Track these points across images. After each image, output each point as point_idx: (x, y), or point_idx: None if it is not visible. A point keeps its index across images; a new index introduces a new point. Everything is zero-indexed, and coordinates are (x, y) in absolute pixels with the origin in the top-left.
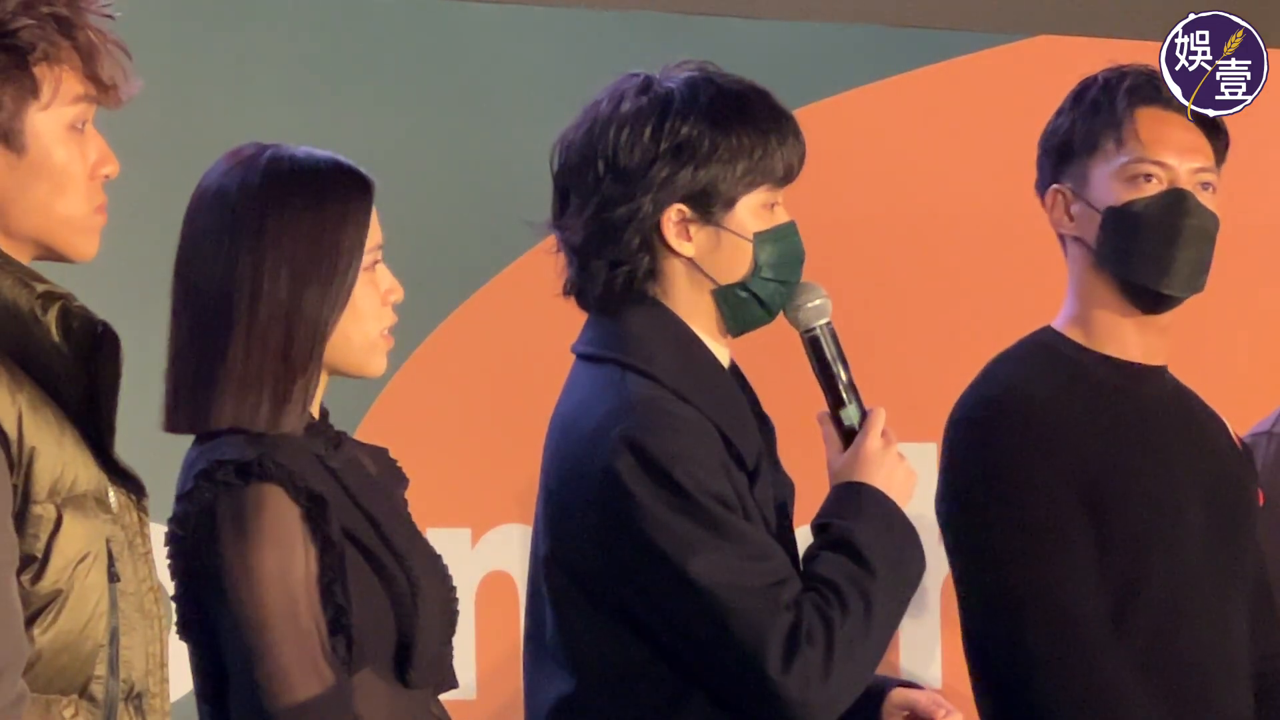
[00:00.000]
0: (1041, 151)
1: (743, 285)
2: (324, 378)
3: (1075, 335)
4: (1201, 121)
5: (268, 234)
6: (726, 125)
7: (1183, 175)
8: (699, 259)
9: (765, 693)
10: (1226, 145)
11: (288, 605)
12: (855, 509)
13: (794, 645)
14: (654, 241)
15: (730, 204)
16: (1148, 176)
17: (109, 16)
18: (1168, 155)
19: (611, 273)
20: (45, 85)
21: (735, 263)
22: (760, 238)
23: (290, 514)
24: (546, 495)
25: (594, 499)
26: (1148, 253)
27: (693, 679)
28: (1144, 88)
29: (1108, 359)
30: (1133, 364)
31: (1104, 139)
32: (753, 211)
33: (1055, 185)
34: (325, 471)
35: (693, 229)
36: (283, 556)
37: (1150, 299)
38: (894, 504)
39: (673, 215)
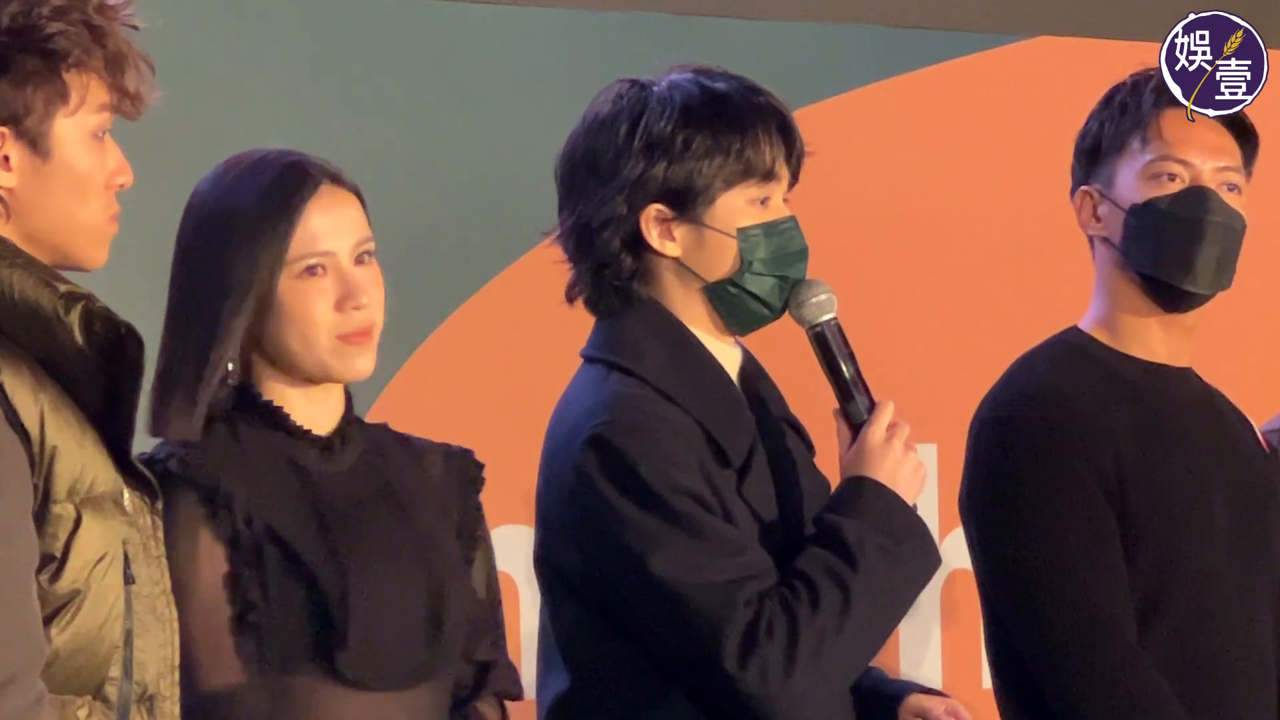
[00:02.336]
0: (1074, 155)
1: (731, 281)
2: (333, 387)
3: (1101, 336)
4: (1230, 123)
5: (186, 248)
6: (701, 122)
7: (1206, 174)
8: (685, 258)
9: (725, 688)
10: (1256, 147)
11: (188, 601)
12: (850, 503)
13: (751, 640)
14: (637, 242)
15: (710, 200)
16: (1171, 175)
17: (134, 27)
18: (1191, 154)
19: (597, 275)
20: (74, 92)
21: (720, 259)
22: (745, 233)
23: (192, 513)
24: (536, 495)
25: (568, 498)
26: (1171, 250)
27: (672, 677)
28: (1170, 89)
29: (1134, 360)
30: (1159, 365)
31: (1130, 138)
32: (737, 208)
33: (1084, 187)
34: (289, 474)
35: (675, 228)
36: (183, 555)
37: (1174, 296)
38: (895, 496)
39: (652, 215)
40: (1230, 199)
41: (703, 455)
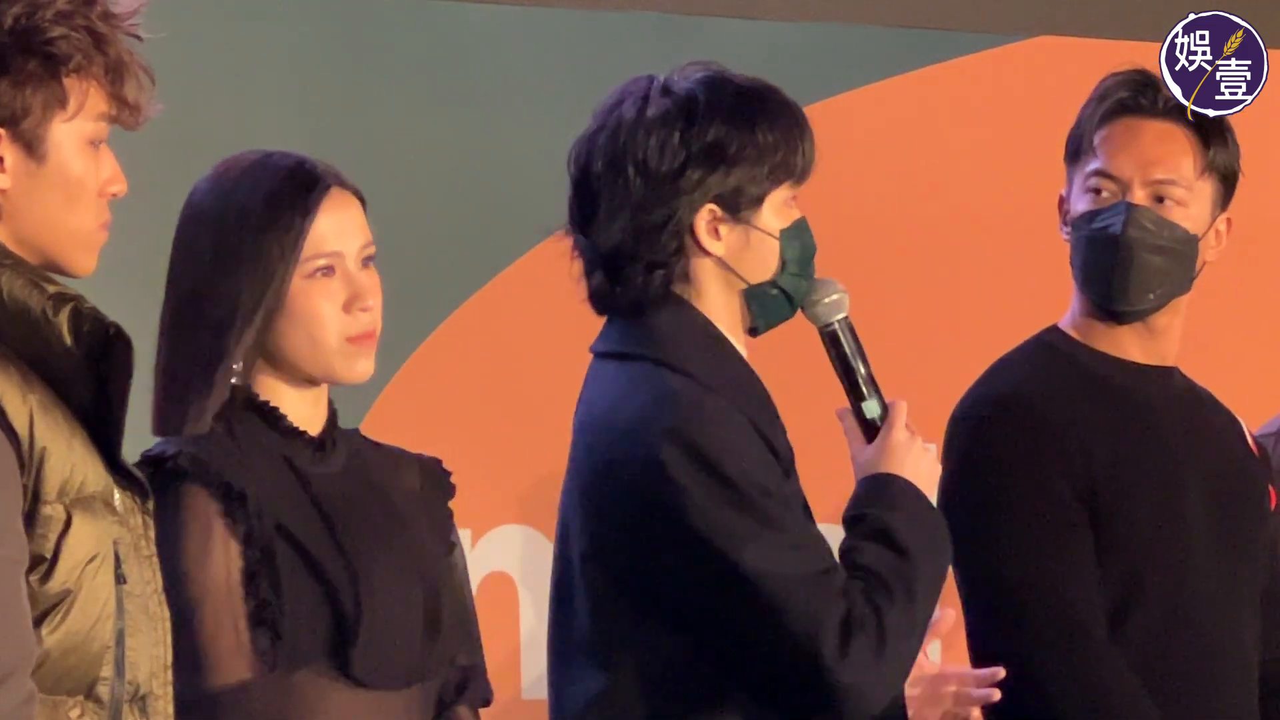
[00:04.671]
0: None
1: (773, 283)
2: (323, 389)
3: (1078, 335)
4: (1192, 127)
5: (189, 247)
6: (751, 125)
7: (1135, 187)
8: (728, 258)
9: (820, 680)
10: (1221, 151)
11: (201, 598)
12: (888, 500)
13: (848, 632)
14: (686, 243)
15: (758, 202)
16: (1101, 189)
17: (138, 38)
18: (1122, 168)
19: (647, 276)
20: (73, 97)
21: (764, 260)
22: (786, 234)
23: (206, 509)
24: (581, 494)
25: (636, 492)
26: (1091, 266)
27: (735, 672)
28: (1117, 98)
29: (1112, 359)
30: (1137, 364)
31: (1079, 148)
32: (776, 209)
33: (1062, 192)
34: (287, 473)
35: (722, 229)
36: (197, 551)
37: (1108, 311)
38: (923, 494)
39: (704, 216)
40: (1165, 209)
41: (763, 451)
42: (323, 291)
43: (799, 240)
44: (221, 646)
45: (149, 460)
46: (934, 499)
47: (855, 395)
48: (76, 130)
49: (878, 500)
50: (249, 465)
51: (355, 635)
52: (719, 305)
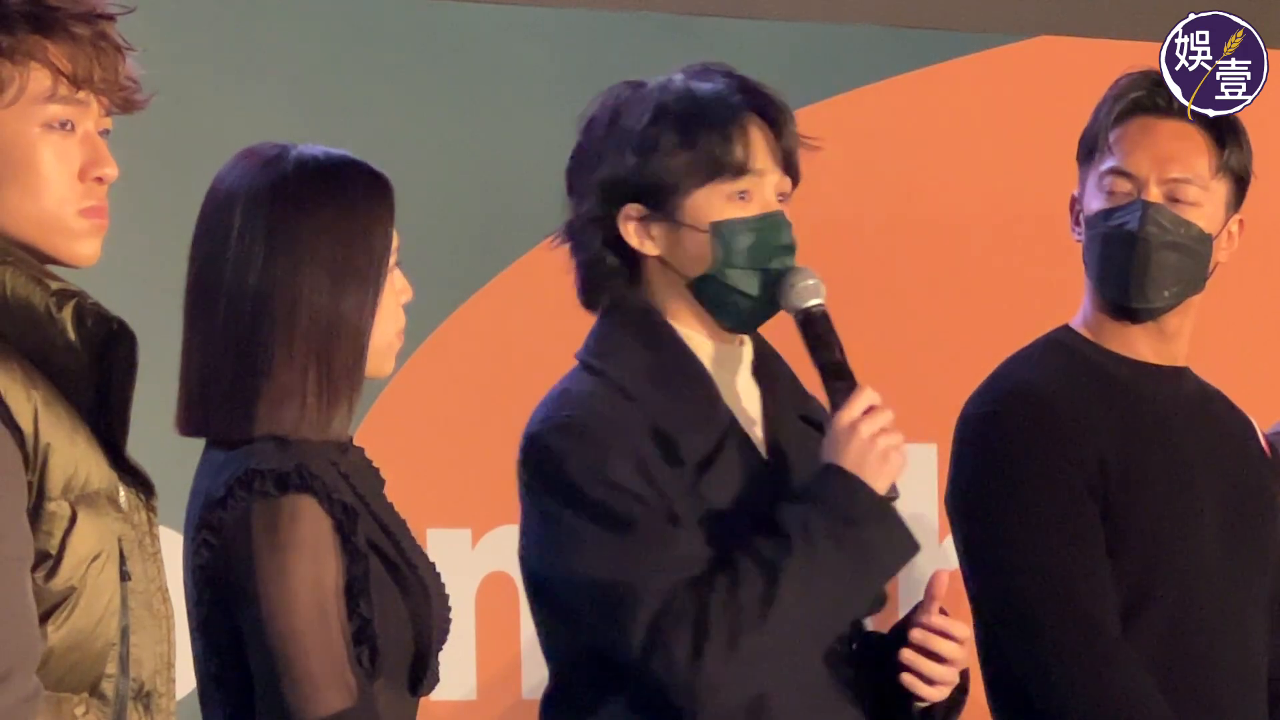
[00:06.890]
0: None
1: (711, 276)
2: None
3: (1090, 335)
4: (1207, 127)
5: (302, 237)
6: (670, 119)
7: (1151, 185)
8: (665, 255)
9: (639, 676)
10: (1235, 152)
11: (319, 616)
12: (807, 490)
13: (655, 629)
14: (620, 241)
15: (683, 197)
16: (1116, 187)
17: (108, 17)
18: (1138, 165)
19: (586, 273)
20: (13, 82)
21: (697, 255)
22: (719, 227)
23: (324, 525)
24: None
25: (520, 497)
26: (1107, 264)
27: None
28: (1132, 97)
29: (1123, 358)
30: (1147, 364)
31: (1094, 147)
32: (713, 204)
33: (1074, 191)
34: (341, 478)
35: (651, 227)
36: (316, 568)
37: (1123, 309)
38: (856, 481)
39: (630, 214)
40: (1181, 208)
41: (646, 452)
42: (391, 286)
43: (747, 233)
44: (331, 667)
45: (264, 473)
46: (882, 483)
47: (825, 384)
48: (22, 115)
49: (801, 491)
50: (330, 474)
51: (430, 652)
52: (671, 303)
